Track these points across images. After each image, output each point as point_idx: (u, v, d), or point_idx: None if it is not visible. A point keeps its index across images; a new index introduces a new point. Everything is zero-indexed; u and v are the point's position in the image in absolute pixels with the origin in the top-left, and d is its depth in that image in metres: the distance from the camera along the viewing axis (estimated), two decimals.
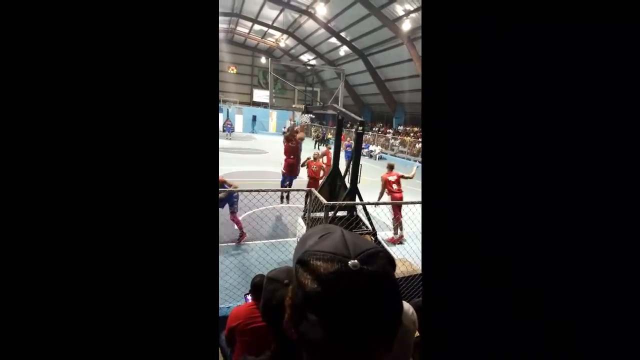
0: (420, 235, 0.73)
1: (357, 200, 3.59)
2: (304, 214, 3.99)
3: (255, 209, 4.72)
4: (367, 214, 3.61)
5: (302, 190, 3.96)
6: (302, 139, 6.22)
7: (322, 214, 2.85)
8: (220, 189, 3.39)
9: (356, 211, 3.74)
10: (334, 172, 4.10)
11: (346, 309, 0.36)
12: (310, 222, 3.19)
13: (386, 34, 15.35)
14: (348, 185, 3.70)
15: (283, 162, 6.22)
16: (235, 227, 4.39)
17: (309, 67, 14.14)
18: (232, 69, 26.93)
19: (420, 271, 3.06)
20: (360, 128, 3.28)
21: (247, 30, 23.92)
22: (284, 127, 23.65)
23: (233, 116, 23.10)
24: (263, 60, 26.83)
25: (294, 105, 5.77)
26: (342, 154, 8.56)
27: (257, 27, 22.21)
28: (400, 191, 5.06)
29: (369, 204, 3.41)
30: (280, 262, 3.67)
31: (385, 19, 14.40)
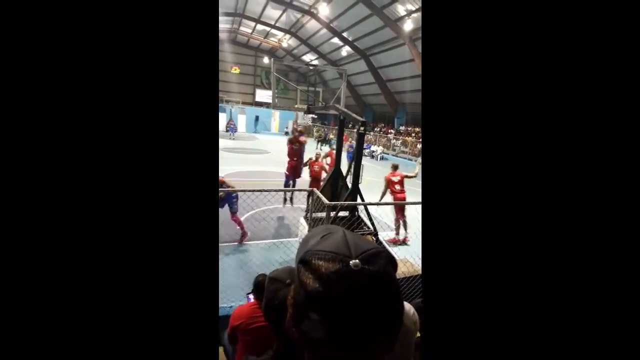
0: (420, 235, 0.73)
1: (359, 200, 3.59)
2: (306, 214, 4.00)
3: (258, 209, 4.72)
4: (368, 214, 3.60)
5: (304, 190, 3.97)
6: (305, 142, 6.24)
7: (324, 214, 2.85)
8: (219, 189, 3.39)
9: (358, 211, 3.74)
10: (336, 173, 4.10)
11: (347, 308, 0.36)
12: (313, 222, 3.19)
13: (388, 34, 15.33)
14: (350, 185, 3.70)
15: (286, 163, 6.23)
16: (237, 227, 4.40)
17: (311, 68, 14.14)
18: (235, 69, 26.93)
19: (421, 271, 3.05)
20: (362, 128, 3.28)
21: (250, 30, 23.97)
22: (286, 128, 23.68)
23: (236, 116, 23.17)
24: (266, 60, 26.85)
25: (296, 106, 5.75)
26: (345, 155, 8.55)
27: (259, 27, 22.26)
28: (402, 191, 5.02)
29: (370, 204, 3.41)
30: (282, 262, 3.68)
31: (387, 19, 14.39)
